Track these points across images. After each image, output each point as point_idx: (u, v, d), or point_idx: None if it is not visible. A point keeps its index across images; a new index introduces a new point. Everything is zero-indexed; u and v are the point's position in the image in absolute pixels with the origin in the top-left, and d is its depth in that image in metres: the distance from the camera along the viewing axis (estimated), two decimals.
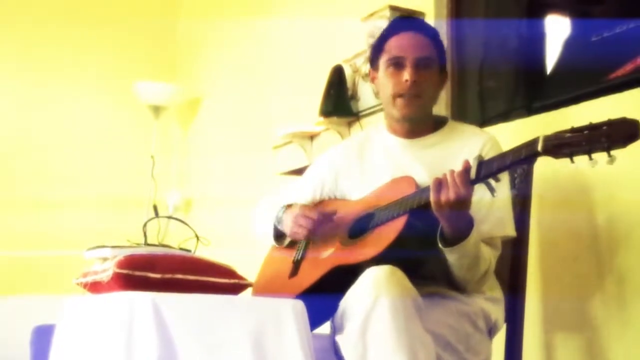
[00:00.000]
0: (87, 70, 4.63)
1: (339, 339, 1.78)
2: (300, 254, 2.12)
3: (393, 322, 1.66)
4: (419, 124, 2.07)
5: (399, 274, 1.74)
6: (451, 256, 1.83)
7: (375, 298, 1.68)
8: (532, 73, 2.65)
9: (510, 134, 2.30)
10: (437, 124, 2.10)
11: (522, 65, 2.72)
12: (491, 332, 1.99)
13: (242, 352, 1.65)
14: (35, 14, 4.54)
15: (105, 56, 4.68)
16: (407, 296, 1.70)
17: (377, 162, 2.10)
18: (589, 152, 1.52)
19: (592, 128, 1.52)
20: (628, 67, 2.21)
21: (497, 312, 1.99)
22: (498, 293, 2.03)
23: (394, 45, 2.01)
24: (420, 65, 1.98)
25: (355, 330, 1.70)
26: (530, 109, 2.59)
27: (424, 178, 1.95)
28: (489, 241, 1.94)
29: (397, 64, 2.00)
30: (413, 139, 2.07)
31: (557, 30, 2.59)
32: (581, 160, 1.53)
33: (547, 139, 1.57)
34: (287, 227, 2.10)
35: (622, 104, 2.17)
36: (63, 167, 4.49)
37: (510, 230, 1.98)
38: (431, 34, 2.05)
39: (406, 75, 1.98)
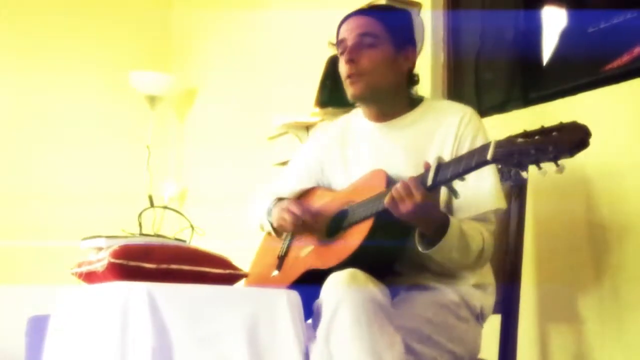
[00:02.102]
0: (83, 60, 4.60)
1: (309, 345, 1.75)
2: (285, 249, 2.12)
3: (354, 328, 1.64)
4: (386, 104, 2.03)
5: (360, 276, 1.71)
6: (437, 255, 1.79)
7: (335, 305, 1.67)
8: (528, 64, 2.64)
9: (507, 125, 2.29)
10: (413, 103, 2.06)
11: (519, 56, 2.72)
12: (479, 319, 1.96)
13: (236, 341, 1.65)
14: (29, 5, 4.51)
15: (100, 46, 4.65)
16: (369, 299, 1.67)
17: (357, 150, 2.09)
18: (536, 162, 1.48)
19: (542, 133, 1.48)
20: (624, 58, 2.21)
21: (483, 298, 1.96)
22: (488, 279, 2.00)
23: (340, 31, 2.03)
24: (361, 44, 1.97)
25: (319, 338, 1.69)
26: (526, 100, 2.59)
27: (402, 162, 1.95)
28: (480, 217, 1.90)
29: (342, 49, 2.01)
30: (388, 121, 2.04)
31: (553, 21, 2.59)
32: (532, 169, 1.49)
33: (498, 145, 1.54)
34: (274, 220, 2.11)
35: (619, 95, 2.17)
36: (58, 157, 4.47)
37: (500, 203, 1.93)
38: (382, 14, 2.03)
39: (346, 56, 1.98)
